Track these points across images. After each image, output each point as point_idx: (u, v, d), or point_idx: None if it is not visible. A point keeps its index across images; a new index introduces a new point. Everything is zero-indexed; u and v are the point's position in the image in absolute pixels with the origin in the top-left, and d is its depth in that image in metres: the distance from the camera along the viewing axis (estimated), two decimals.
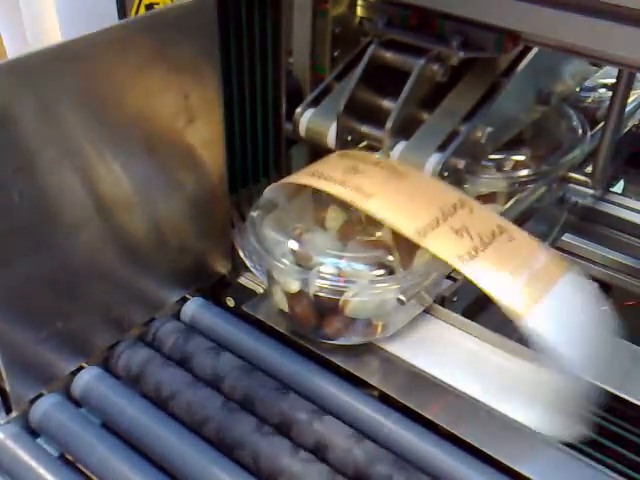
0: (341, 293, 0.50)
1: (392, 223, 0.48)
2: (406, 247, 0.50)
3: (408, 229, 0.46)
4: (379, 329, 0.53)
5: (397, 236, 0.49)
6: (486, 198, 0.61)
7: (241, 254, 0.55)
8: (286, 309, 0.53)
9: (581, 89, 0.75)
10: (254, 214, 0.55)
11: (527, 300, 0.44)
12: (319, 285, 0.49)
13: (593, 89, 0.76)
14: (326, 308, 0.51)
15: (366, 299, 0.50)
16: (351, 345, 0.53)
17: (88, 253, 0.51)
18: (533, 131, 0.65)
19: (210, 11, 0.52)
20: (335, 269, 0.50)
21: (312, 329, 0.53)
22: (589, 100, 0.76)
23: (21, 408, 0.50)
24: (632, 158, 0.83)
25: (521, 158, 0.63)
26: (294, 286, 0.51)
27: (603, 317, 0.47)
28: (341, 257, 0.51)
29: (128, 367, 0.54)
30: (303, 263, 0.51)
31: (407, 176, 0.51)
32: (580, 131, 0.68)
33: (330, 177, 0.51)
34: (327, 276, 0.49)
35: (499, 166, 0.62)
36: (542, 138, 0.66)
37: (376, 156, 0.55)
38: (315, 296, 0.50)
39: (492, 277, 0.45)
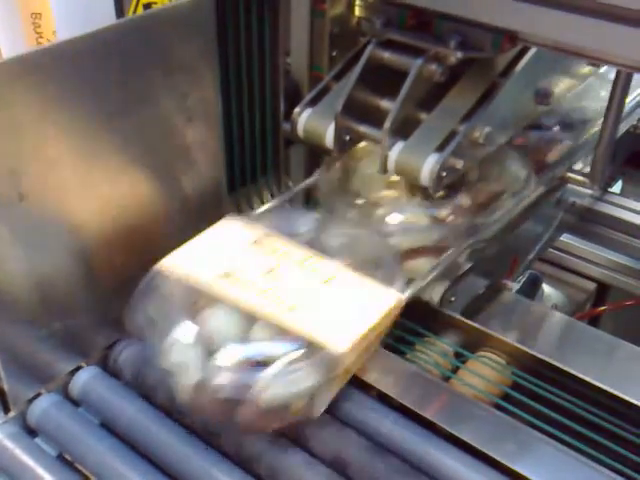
0: (249, 387, 0.42)
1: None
2: None
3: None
4: (302, 411, 0.46)
5: None
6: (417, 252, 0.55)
7: (128, 325, 0.47)
8: (186, 400, 0.45)
9: (533, 127, 0.65)
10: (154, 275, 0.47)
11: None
12: (221, 380, 0.42)
13: (546, 128, 0.67)
14: (234, 399, 0.43)
15: (281, 390, 0.43)
16: None
17: (87, 253, 0.51)
18: (478, 174, 0.60)
19: (208, 11, 0.52)
20: (241, 355, 0.44)
21: (222, 422, 0.46)
22: (541, 140, 0.67)
23: (19, 408, 0.50)
24: (630, 158, 0.83)
25: (460, 204, 0.57)
26: (193, 377, 0.44)
27: None
28: (248, 339, 0.45)
29: (127, 367, 0.54)
30: (204, 347, 0.44)
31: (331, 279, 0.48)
32: (523, 177, 0.62)
33: (249, 284, 0.48)
34: (230, 366, 0.43)
35: (436, 213, 0.56)
36: (484, 183, 0.60)
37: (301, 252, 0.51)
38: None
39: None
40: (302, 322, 0.45)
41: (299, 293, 0.47)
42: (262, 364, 0.44)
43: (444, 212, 0.50)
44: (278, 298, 0.47)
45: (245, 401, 0.43)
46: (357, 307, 0.47)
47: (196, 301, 0.48)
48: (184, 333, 0.46)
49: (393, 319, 0.48)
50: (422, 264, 0.52)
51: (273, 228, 0.52)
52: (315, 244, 0.52)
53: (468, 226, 0.51)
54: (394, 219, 0.50)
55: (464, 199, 0.52)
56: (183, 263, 0.49)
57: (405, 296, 0.49)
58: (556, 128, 0.66)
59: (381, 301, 0.47)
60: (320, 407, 0.47)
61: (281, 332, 0.45)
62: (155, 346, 0.45)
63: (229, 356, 0.44)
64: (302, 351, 0.44)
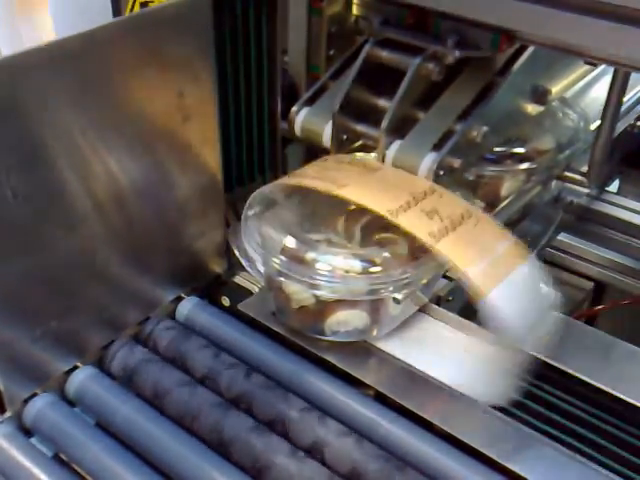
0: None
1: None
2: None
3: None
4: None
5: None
6: None
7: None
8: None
9: (484, 159, 0.62)
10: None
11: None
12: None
13: (498, 161, 0.63)
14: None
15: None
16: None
17: (83, 252, 0.50)
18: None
19: (205, 9, 0.52)
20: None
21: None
22: (493, 174, 0.63)
23: (15, 408, 0.50)
24: (628, 158, 0.83)
25: (395, 253, 0.56)
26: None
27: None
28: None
29: (123, 367, 0.53)
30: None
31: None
32: None
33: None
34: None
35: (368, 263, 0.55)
36: None
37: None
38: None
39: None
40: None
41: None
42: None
43: (377, 260, 0.50)
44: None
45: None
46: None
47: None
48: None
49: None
50: (350, 316, 0.53)
51: None
52: None
53: (398, 278, 0.50)
54: (323, 267, 0.50)
55: (400, 248, 0.51)
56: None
57: None
58: (509, 160, 0.63)
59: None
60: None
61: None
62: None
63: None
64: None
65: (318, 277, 0.49)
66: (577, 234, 0.79)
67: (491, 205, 0.61)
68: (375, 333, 0.53)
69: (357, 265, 0.50)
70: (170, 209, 0.56)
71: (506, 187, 0.63)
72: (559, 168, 0.66)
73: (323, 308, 0.52)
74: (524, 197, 0.64)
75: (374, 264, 0.50)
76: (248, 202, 0.55)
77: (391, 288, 0.50)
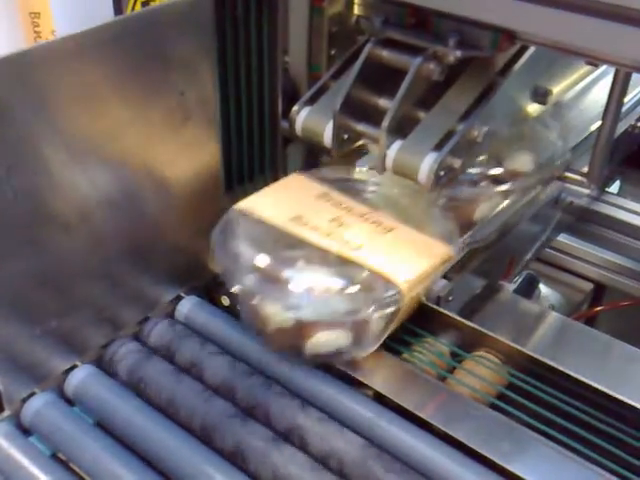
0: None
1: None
2: None
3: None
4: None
5: None
6: None
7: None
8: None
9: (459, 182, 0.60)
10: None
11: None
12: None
13: (474, 183, 0.61)
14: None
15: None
16: None
17: (82, 251, 0.50)
18: None
19: (207, 8, 0.52)
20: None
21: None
22: (467, 196, 0.61)
23: (13, 407, 0.50)
24: (629, 158, 0.83)
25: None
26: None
27: None
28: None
29: (122, 366, 0.53)
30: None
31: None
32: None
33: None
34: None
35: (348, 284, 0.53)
36: None
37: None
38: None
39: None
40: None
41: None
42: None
43: (357, 279, 0.49)
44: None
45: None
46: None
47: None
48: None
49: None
50: (331, 336, 0.50)
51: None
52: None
53: (377, 298, 0.48)
54: (299, 287, 0.48)
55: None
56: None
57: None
58: (484, 183, 0.61)
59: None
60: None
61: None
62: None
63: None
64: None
65: (295, 297, 0.47)
66: (577, 235, 0.79)
67: (466, 227, 0.58)
68: (359, 352, 0.51)
69: (337, 284, 0.49)
70: (170, 208, 0.56)
71: (481, 209, 0.61)
72: (536, 189, 0.64)
73: (302, 329, 0.49)
74: (501, 217, 0.62)
75: (354, 283, 0.49)
76: (224, 218, 0.54)
77: (372, 307, 0.48)
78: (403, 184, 0.58)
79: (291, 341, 0.50)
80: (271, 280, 0.49)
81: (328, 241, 0.52)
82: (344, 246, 0.52)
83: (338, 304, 0.48)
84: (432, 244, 0.54)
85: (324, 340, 0.49)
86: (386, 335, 0.51)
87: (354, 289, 0.49)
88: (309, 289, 0.48)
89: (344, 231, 0.53)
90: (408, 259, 0.52)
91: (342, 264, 0.50)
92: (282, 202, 0.56)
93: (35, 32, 1.22)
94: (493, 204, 0.61)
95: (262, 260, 0.50)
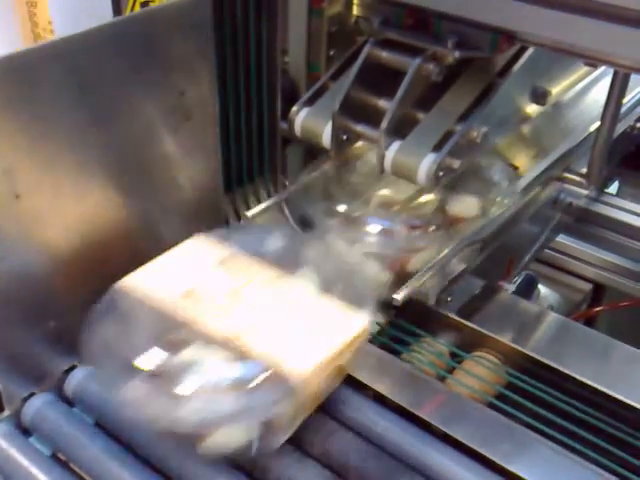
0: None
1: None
2: None
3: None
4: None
5: None
6: None
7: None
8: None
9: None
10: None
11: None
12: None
13: (412, 229, 0.57)
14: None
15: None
16: None
17: (82, 251, 0.50)
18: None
19: (205, 9, 0.52)
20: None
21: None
22: (401, 246, 0.57)
23: (13, 407, 0.50)
24: (627, 159, 0.83)
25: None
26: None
27: None
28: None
29: None
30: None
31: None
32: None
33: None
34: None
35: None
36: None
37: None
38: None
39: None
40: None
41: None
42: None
43: (250, 373, 0.42)
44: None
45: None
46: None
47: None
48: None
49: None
50: (232, 433, 0.43)
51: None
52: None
53: (270, 395, 0.42)
54: (185, 389, 0.42)
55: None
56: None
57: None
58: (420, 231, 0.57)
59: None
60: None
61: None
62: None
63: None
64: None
65: (181, 401, 0.41)
66: (576, 236, 0.79)
67: (402, 280, 0.54)
68: (270, 443, 0.44)
69: (226, 381, 0.42)
70: (170, 208, 0.56)
71: (416, 260, 0.57)
72: (479, 235, 0.58)
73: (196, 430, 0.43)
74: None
75: (246, 379, 0.42)
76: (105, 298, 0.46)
77: (266, 406, 0.42)
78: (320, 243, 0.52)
79: (185, 440, 0.44)
80: (154, 381, 0.43)
81: (220, 324, 0.45)
82: (237, 329, 0.44)
83: (228, 406, 0.41)
84: (343, 318, 0.46)
85: (223, 439, 0.43)
86: (299, 423, 0.45)
87: (246, 386, 0.42)
88: (196, 392, 0.42)
89: (240, 308, 0.46)
90: (311, 343, 0.44)
91: (233, 354, 0.44)
92: (175, 274, 0.49)
93: (31, 22, 1.21)
94: (430, 254, 0.56)
95: (145, 361, 0.44)
